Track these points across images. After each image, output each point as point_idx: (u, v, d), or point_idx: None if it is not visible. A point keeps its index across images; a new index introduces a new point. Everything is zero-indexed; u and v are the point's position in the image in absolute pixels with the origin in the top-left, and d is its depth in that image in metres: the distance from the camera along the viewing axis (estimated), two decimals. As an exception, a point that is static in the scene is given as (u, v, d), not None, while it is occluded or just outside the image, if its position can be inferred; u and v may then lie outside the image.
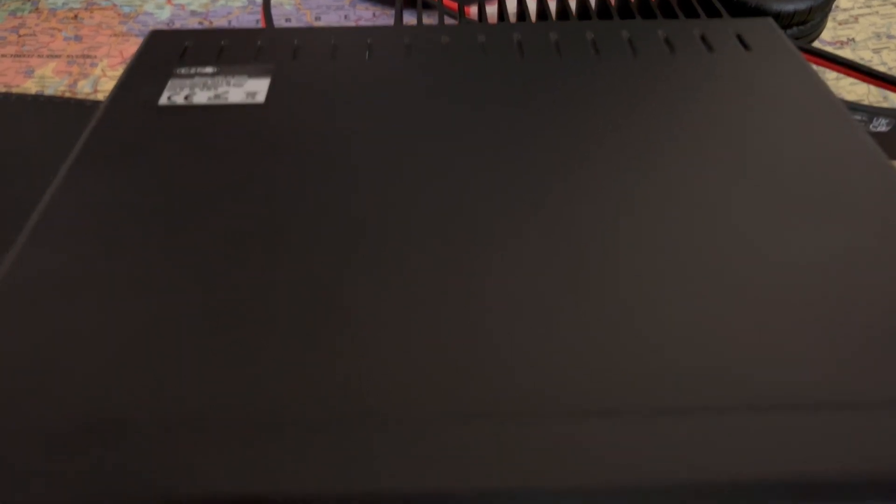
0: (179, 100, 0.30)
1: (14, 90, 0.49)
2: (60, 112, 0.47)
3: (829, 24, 0.50)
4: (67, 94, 0.49)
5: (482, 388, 0.19)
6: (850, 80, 0.46)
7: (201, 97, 0.31)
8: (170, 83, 0.31)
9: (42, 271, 0.22)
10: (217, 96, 0.31)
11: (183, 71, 0.32)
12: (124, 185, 0.26)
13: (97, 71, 0.50)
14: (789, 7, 0.42)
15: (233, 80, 0.32)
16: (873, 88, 0.46)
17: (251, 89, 0.31)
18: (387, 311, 0.21)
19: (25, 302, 0.21)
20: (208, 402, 0.19)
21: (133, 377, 0.19)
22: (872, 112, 0.39)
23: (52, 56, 0.52)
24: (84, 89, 0.49)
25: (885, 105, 0.45)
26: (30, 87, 0.49)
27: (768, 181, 0.25)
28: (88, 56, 0.51)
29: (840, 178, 0.25)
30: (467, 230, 0.23)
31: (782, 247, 0.23)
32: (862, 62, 0.46)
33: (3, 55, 0.52)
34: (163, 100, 0.30)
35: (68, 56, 0.52)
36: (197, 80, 0.32)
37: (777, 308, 0.21)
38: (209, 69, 0.32)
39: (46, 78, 0.50)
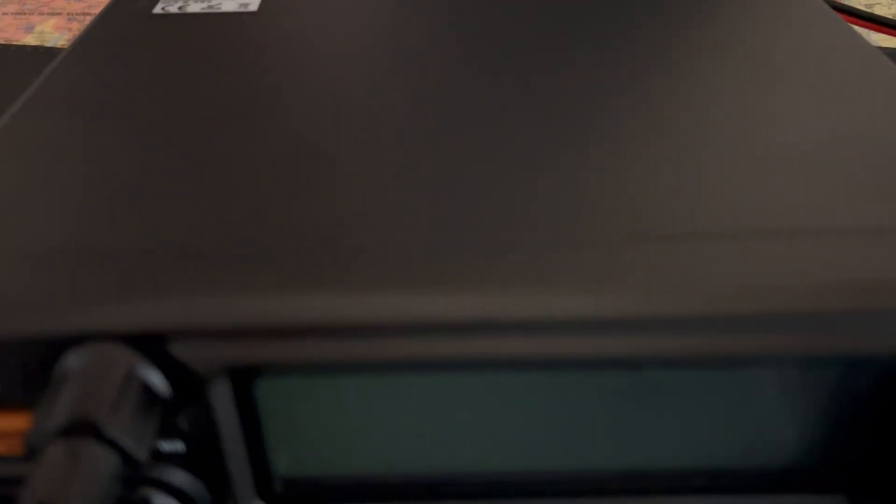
0: (173, 9, 0.31)
1: (14, 44, 0.49)
2: (59, 62, 0.47)
3: (823, -17, 0.50)
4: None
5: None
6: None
7: (195, 7, 0.31)
8: (164, -3, 0.32)
9: (32, 133, 0.22)
10: (210, 7, 0.31)
11: (177, -13, 0.33)
12: (114, 74, 0.26)
13: (97, 27, 0.51)
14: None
15: (226, -6, 0.32)
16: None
17: (244, 0, 0.31)
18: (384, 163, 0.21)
19: (14, 154, 0.21)
20: (190, 236, 0.18)
21: (118, 213, 0.19)
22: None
23: (53, 13, 0.52)
24: (83, 43, 0.49)
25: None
26: (29, 41, 0.50)
27: (768, 67, 0.25)
28: (89, 14, 0.52)
29: (836, 63, 0.25)
30: (466, 108, 0.23)
31: (785, 110, 0.23)
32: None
33: (5, 13, 0.52)
34: (157, 9, 0.31)
35: (68, 14, 0.52)
36: (191, -6, 0.32)
37: (784, 152, 0.21)
38: (203, -14, 0.33)
39: (46, 33, 0.50)
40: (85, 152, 0.21)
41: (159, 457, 0.18)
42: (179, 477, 0.18)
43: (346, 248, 0.18)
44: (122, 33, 0.28)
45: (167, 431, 0.18)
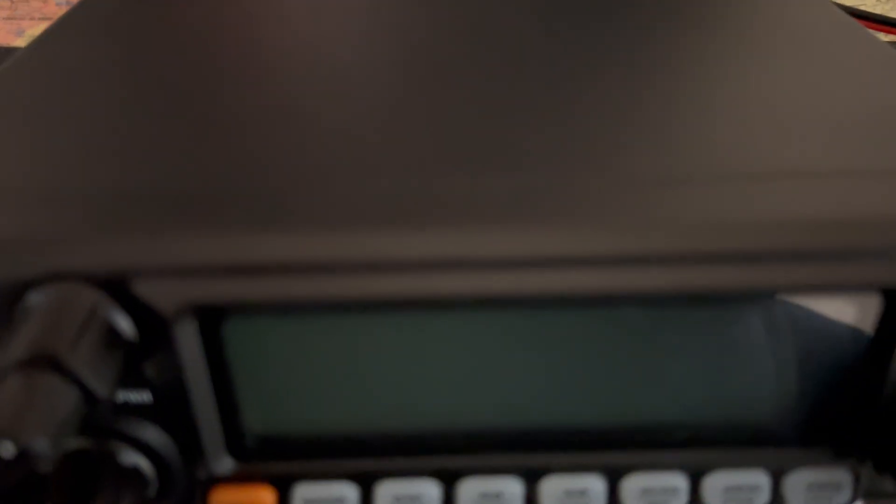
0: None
1: (4, 47, 0.50)
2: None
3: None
4: (56, 51, 0.49)
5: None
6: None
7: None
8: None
9: (7, 87, 0.22)
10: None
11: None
12: (95, 40, 0.26)
13: (87, 31, 0.51)
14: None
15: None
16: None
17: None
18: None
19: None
20: (157, 178, 0.18)
21: (83, 157, 0.19)
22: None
23: (44, 19, 0.52)
24: (73, 46, 0.49)
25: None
26: (20, 44, 0.50)
27: (757, 41, 0.25)
28: (79, 18, 0.52)
29: (824, 36, 0.26)
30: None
31: (773, 76, 0.23)
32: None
33: (-4, 18, 0.52)
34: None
35: (59, 18, 0.52)
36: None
37: (768, 109, 0.21)
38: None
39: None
40: (56, 104, 0.21)
41: (126, 409, 0.18)
42: (147, 431, 0.18)
43: (319, 188, 0.18)
44: (108, 7, 0.28)
45: (134, 380, 0.17)
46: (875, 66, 0.23)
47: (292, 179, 0.18)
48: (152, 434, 0.18)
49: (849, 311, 0.18)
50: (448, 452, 0.19)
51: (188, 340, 0.17)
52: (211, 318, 0.17)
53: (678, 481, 0.19)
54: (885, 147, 0.19)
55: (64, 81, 0.23)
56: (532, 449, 0.19)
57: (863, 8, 0.47)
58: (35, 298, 0.16)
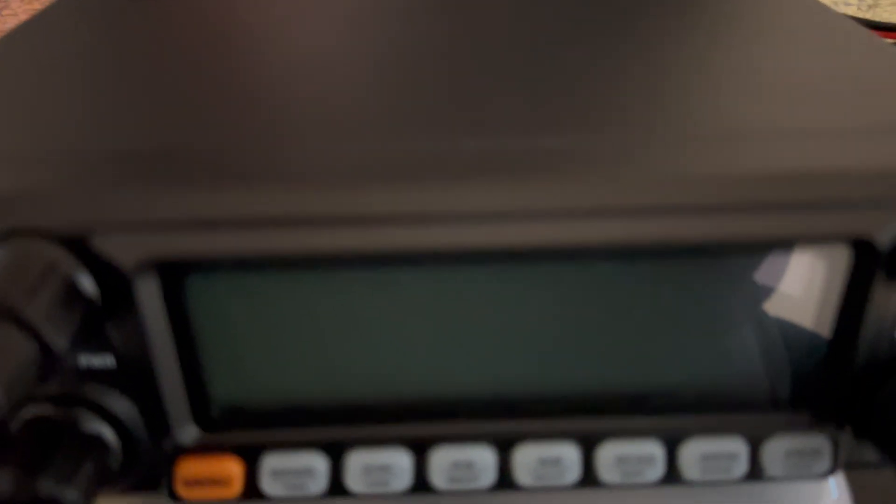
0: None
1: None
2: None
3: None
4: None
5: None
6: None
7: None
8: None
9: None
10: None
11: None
12: (69, 26, 0.26)
13: (75, 42, 0.51)
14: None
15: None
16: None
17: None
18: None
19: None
20: (119, 137, 0.18)
21: (48, 117, 0.19)
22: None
23: (33, 31, 0.53)
24: (61, 57, 0.50)
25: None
26: (8, 56, 0.50)
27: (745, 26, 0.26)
28: (68, 30, 0.53)
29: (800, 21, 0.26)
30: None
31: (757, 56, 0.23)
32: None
33: (-15, 32, 0.53)
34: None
35: (48, 31, 0.53)
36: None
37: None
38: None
39: (25, 49, 0.51)
40: (17, 72, 0.21)
41: (89, 375, 0.18)
42: (110, 398, 0.18)
43: (284, 145, 0.17)
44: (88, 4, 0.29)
45: (97, 344, 0.17)
46: (850, 44, 0.24)
47: (258, 137, 0.18)
48: (116, 401, 0.18)
49: (821, 268, 0.17)
50: (419, 421, 0.19)
51: (150, 298, 0.17)
52: (173, 275, 0.17)
53: (654, 449, 0.19)
54: (854, 108, 0.19)
55: (27, 55, 0.23)
56: (504, 416, 0.19)
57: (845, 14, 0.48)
58: (-6, 254, 0.16)
